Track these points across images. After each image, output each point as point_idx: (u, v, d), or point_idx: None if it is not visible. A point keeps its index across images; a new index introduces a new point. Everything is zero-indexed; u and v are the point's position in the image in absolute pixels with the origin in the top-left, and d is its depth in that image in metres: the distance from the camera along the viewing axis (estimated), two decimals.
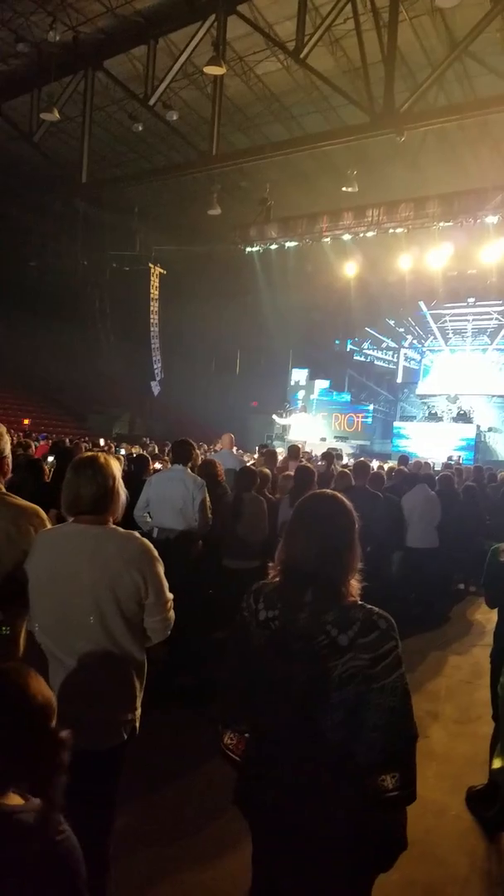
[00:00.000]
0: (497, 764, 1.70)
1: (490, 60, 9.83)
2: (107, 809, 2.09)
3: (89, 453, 2.14)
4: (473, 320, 20.35)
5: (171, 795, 3.09)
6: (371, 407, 21.75)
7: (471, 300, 19.71)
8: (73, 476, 2.01)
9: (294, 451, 8.11)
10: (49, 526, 2.19)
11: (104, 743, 1.97)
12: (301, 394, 22.32)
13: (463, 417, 18.37)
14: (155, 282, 21.05)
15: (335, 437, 20.52)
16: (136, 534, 2.06)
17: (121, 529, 2.04)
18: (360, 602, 1.65)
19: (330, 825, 1.61)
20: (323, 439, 19.55)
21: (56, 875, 1.10)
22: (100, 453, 2.12)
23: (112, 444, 12.06)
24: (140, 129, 12.31)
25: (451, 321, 20.70)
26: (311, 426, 21.07)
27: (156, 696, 2.36)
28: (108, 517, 2.02)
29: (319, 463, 8.66)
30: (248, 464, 7.32)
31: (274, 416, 19.88)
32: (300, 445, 10.83)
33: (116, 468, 2.05)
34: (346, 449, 17.21)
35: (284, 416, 20.28)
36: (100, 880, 2.04)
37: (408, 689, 1.67)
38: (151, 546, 2.04)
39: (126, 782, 2.14)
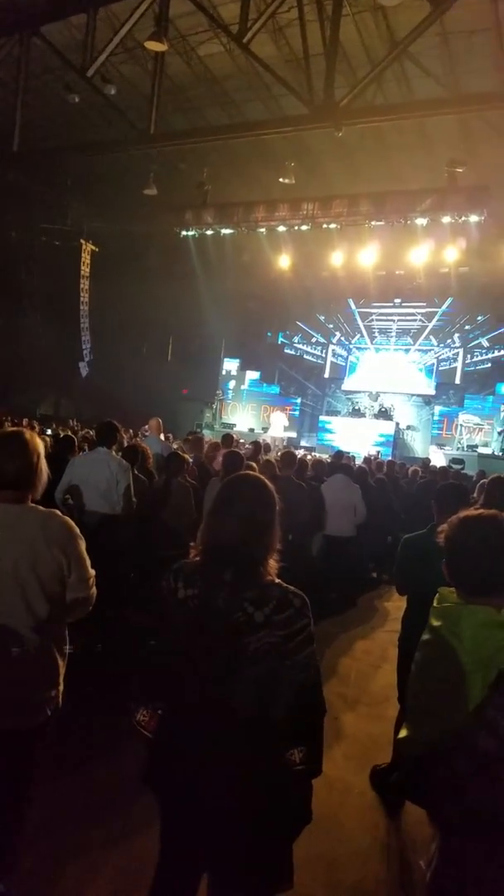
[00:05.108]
0: (402, 734, 1.80)
1: (429, 64, 10.07)
2: (25, 788, 2.08)
3: (14, 428, 2.14)
4: (398, 321, 20.96)
5: (80, 782, 3.06)
6: (299, 400, 22.05)
7: (397, 301, 20.28)
8: None
9: (227, 440, 8.12)
10: None
11: (28, 722, 1.98)
12: (232, 384, 22.31)
13: (384, 414, 18.94)
14: (86, 258, 20.33)
15: (262, 428, 20.70)
16: (58, 511, 2.08)
17: (41, 508, 2.04)
18: (276, 581, 1.71)
19: (241, 799, 1.65)
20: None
21: None
22: (26, 429, 2.12)
23: (37, 424, 11.58)
24: (76, 100, 11.86)
25: (377, 320, 21.25)
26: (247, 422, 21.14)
27: (76, 682, 2.34)
28: (28, 494, 2.02)
29: (247, 447, 8.75)
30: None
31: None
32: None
33: (41, 446, 2.08)
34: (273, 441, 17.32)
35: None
36: (11, 863, 2.06)
37: (318, 666, 1.74)
38: (73, 523, 2.06)
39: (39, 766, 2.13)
